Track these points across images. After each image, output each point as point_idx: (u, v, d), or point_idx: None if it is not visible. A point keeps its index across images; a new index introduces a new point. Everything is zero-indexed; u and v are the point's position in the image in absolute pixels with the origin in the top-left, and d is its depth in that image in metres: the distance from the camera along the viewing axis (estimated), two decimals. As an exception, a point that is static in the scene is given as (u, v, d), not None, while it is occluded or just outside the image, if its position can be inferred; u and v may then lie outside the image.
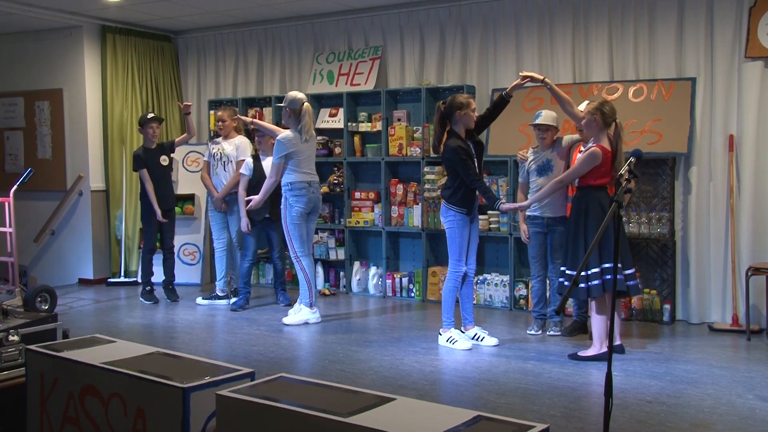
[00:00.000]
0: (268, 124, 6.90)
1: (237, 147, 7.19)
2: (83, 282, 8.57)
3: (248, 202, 6.60)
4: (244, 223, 6.90)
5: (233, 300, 7.21)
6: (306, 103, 6.22)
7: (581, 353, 5.25)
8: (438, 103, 5.62)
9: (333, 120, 7.93)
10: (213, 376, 2.81)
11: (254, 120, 6.96)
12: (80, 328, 6.11)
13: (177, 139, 7.66)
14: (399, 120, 7.56)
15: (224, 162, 7.20)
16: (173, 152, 7.57)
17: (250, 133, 7.28)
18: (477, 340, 5.67)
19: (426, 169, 7.30)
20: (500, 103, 5.65)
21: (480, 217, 6.46)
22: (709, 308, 6.36)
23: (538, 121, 5.81)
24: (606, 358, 3.03)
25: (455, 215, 5.50)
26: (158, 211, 7.23)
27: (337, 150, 7.92)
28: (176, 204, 7.76)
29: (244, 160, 7.09)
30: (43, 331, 4.09)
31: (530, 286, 6.18)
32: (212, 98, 8.80)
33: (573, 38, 6.90)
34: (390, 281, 7.62)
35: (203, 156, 7.69)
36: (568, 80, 6.85)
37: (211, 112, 8.58)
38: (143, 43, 8.81)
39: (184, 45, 9.21)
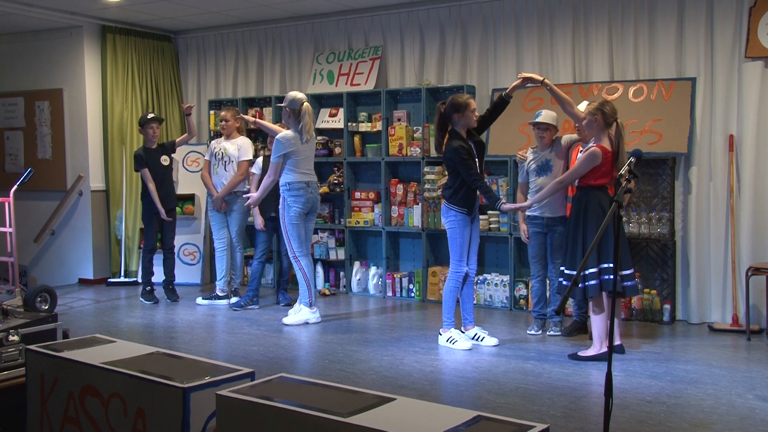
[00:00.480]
0: (270, 124, 6.90)
1: (239, 147, 7.19)
2: (83, 282, 8.57)
3: (247, 198, 6.64)
4: (259, 222, 6.93)
5: (234, 299, 7.21)
6: (306, 103, 6.22)
7: (581, 353, 5.25)
8: (438, 104, 5.62)
9: (333, 120, 7.93)
10: (213, 376, 2.81)
11: (257, 119, 6.97)
12: (80, 328, 6.11)
13: (177, 139, 7.66)
14: (399, 120, 7.56)
15: (225, 162, 7.20)
16: (174, 152, 7.57)
17: (257, 132, 7.29)
18: (477, 340, 5.67)
19: (426, 169, 7.30)
20: (500, 104, 5.65)
21: (480, 217, 6.45)
22: (709, 308, 6.36)
23: (537, 120, 5.81)
24: (606, 358, 3.03)
25: (456, 215, 5.50)
26: (162, 210, 7.23)
27: (337, 150, 7.92)
28: (177, 204, 7.76)
29: (247, 161, 7.12)
30: (43, 331, 4.09)
31: (530, 286, 6.18)
32: (212, 98, 8.81)
33: (573, 38, 6.90)
34: (390, 281, 7.62)
35: (204, 156, 7.70)
36: (568, 80, 6.85)
37: (212, 112, 8.59)
38: (143, 43, 8.81)
39: (184, 45, 9.22)
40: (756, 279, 5.86)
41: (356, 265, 7.84)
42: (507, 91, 5.62)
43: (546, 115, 5.80)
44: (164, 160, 7.38)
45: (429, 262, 7.44)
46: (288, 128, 6.30)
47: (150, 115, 7.41)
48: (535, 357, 5.32)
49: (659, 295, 6.40)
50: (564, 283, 5.31)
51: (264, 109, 8.35)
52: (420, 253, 7.54)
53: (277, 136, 6.24)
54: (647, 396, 4.44)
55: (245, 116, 7.22)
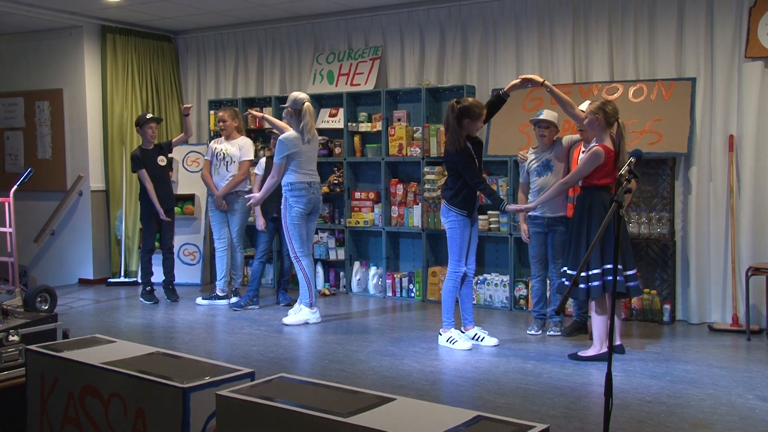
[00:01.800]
0: (278, 121, 6.86)
1: (240, 148, 7.19)
2: (83, 282, 8.57)
3: (249, 198, 6.65)
4: (260, 223, 6.95)
5: (234, 299, 7.21)
6: (307, 103, 6.23)
7: (581, 353, 5.25)
8: (453, 101, 5.46)
9: (333, 120, 7.93)
10: (213, 376, 2.81)
11: (264, 115, 6.97)
12: (80, 328, 6.11)
13: (174, 139, 7.66)
14: (399, 120, 7.56)
15: (227, 162, 7.20)
16: (170, 152, 7.57)
17: (257, 132, 7.27)
18: (477, 340, 5.67)
19: (426, 169, 7.30)
20: (497, 101, 5.63)
21: (480, 217, 6.45)
22: (709, 308, 6.36)
23: (540, 117, 5.80)
24: (606, 358, 3.03)
25: (456, 216, 5.50)
26: (161, 211, 7.24)
27: (337, 150, 7.92)
28: (176, 204, 7.76)
29: (248, 161, 7.13)
30: (43, 331, 4.09)
31: (530, 286, 6.18)
32: (212, 98, 8.81)
33: (573, 38, 6.90)
34: (390, 281, 7.62)
35: (204, 156, 7.69)
36: (568, 80, 6.85)
37: (211, 112, 8.59)
38: (143, 43, 8.81)
39: (184, 45, 9.21)
40: (756, 279, 5.85)
41: (356, 265, 7.84)
42: (505, 89, 5.60)
43: (548, 114, 5.80)
44: (161, 160, 7.38)
45: (429, 262, 7.44)
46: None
47: (149, 115, 7.41)
48: (535, 357, 5.32)
49: (659, 295, 6.39)
50: (566, 283, 5.31)
51: (264, 109, 8.34)
52: (420, 253, 7.54)
53: (279, 137, 6.24)
54: (647, 396, 4.44)
55: (253, 111, 7.19)
